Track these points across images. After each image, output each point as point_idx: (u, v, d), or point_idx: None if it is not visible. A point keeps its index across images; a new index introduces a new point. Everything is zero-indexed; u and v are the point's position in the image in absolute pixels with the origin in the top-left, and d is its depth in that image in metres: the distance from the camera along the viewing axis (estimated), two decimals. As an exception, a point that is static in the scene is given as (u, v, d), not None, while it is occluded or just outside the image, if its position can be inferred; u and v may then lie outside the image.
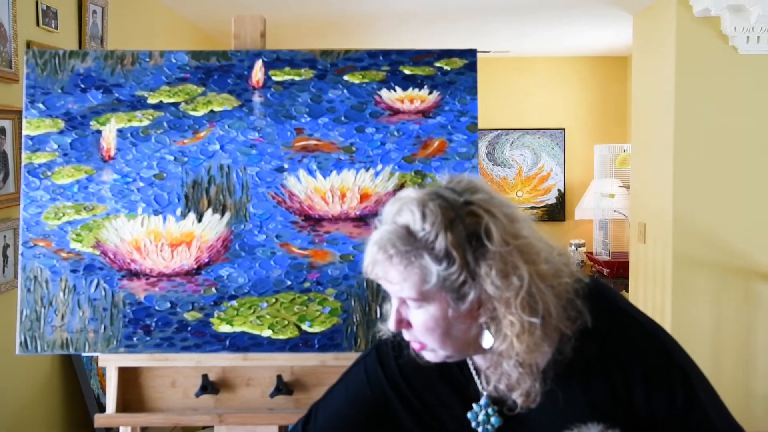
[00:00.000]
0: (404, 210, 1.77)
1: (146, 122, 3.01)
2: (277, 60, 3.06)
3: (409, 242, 1.74)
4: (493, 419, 1.92)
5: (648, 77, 6.60)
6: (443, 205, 1.76)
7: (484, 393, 1.94)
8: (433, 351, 1.85)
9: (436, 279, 1.72)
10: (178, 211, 2.98)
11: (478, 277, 1.73)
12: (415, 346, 1.87)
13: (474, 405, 1.95)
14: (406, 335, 1.87)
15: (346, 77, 3.05)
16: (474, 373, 1.98)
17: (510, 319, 1.73)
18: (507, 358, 1.78)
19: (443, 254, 1.72)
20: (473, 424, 1.94)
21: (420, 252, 1.73)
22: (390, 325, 1.86)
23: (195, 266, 2.97)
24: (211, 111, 3.02)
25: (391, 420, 2.05)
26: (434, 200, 1.77)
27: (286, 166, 2.99)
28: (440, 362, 1.91)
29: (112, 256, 2.96)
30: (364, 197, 2.97)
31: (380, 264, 1.77)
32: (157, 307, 2.95)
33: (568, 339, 1.81)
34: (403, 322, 1.83)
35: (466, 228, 1.74)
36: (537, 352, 1.77)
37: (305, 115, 3.01)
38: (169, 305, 2.95)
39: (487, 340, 1.79)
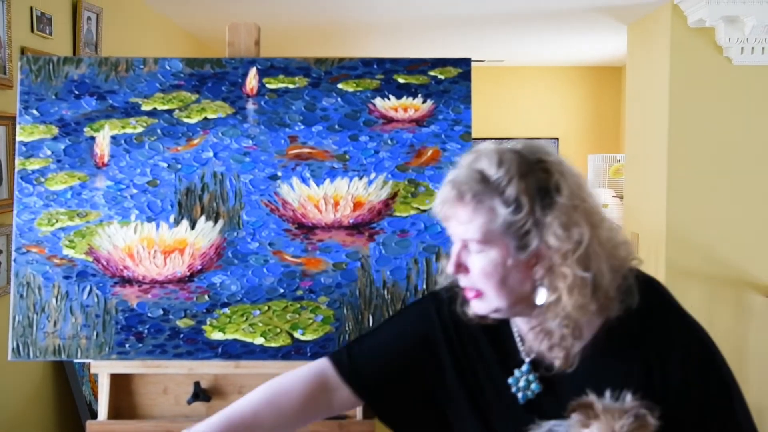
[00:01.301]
0: (482, 157, 1.88)
1: (140, 129, 3.01)
2: (271, 68, 3.06)
3: (482, 185, 1.83)
4: (533, 385, 1.96)
5: (642, 88, 6.62)
6: (518, 159, 1.85)
7: (527, 359, 1.99)
8: (485, 300, 1.90)
9: (501, 222, 1.81)
10: (172, 218, 2.98)
11: (543, 227, 1.81)
12: (469, 294, 1.93)
13: (515, 371, 1.99)
14: (463, 281, 1.93)
15: (340, 85, 3.05)
16: (518, 338, 2.02)
17: (564, 271, 1.81)
18: (554, 315, 1.84)
19: (513, 200, 1.81)
20: (513, 389, 1.98)
21: (491, 194, 1.82)
22: (448, 268, 1.92)
23: (188, 273, 2.97)
24: (205, 118, 3.02)
25: (434, 365, 2.09)
26: (511, 153, 1.87)
27: (279, 173, 2.99)
28: (486, 323, 1.99)
29: (104, 263, 2.96)
30: (357, 205, 2.97)
31: (451, 203, 1.87)
32: (149, 314, 2.95)
33: (616, 311, 1.87)
34: (462, 267, 1.90)
35: (537, 181, 1.83)
36: (583, 312, 1.83)
37: (299, 123, 3.02)
38: (161, 312, 2.95)
39: (541, 296, 1.86)
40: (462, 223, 1.86)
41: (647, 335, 1.89)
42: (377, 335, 2.21)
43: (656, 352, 1.88)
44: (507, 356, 2.02)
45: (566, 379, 1.91)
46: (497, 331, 2.04)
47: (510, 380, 1.98)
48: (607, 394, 1.79)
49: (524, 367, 1.98)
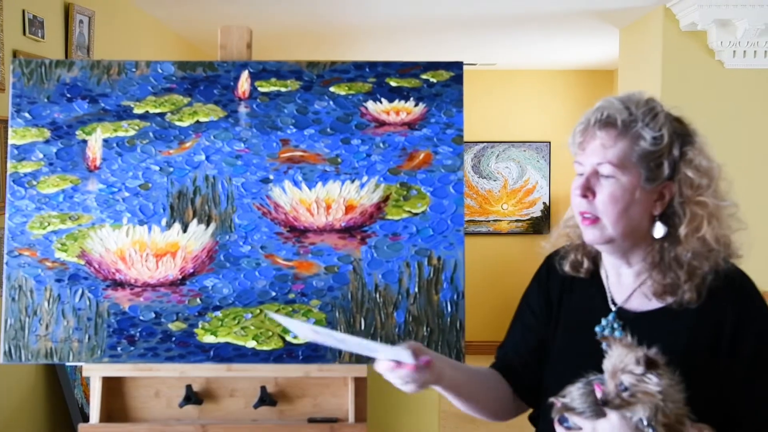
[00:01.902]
0: (631, 95, 2.09)
1: (132, 132, 3.02)
2: (263, 71, 3.07)
3: (630, 114, 2.02)
4: (617, 333, 2.09)
5: (634, 91, 6.62)
6: (660, 104, 2.10)
7: (614, 308, 2.13)
8: (601, 228, 2.03)
9: (641, 151, 1.99)
10: (164, 222, 2.98)
11: (681, 161, 2.04)
12: (586, 222, 2.05)
13: (602, 319, 2.13)
14: (585, 206, 2.04)
15: (332, 89, 3.05)
16: (607, 289, 2.17)
17: (703, 200, 2.02)
18: (686, 249, 2.01)
19: (657, 130, 2.01)
20: (598, 336, 2.10)
21: (638, 123, 2.01)
22: (575, 191, 2.05)
23: (180, 277, 2.97)
24: (197, 121, 3.02)
25: (551, 316, 2.27)
26: (654, 100, 2.11)
27: (271, 177, 2.99)
28: (579, 276, 2.21)
29: (96, 266, 2.96)
30: (349, 209, 2.98)
31: (595, 127, 2.04)
32: (141, 317, 2.95)
33: (715, 269, 2.02)
34: (589, 190, 2.03)
35: (674, 127, 2.07)
36: (718, 242, 2.03)
37: (291, 127, 3.02)
38: (153, 315, 2.95)
39: (658, 230, 2.04)
40: (604, 147, 2.01)
41: (731, 305, 2.01)
42: (513, 331, 2.38)
43: (734, 322, 1.99)
44: (594, 307, 2.17)
45: (649, 330, 2.02)
46: (589, 284, 2.21)
47: (597, 328, 2.13)
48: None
49: (610, 316, 2.12)
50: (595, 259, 2.21)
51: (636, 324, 2.07)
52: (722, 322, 1.99)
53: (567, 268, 2.23)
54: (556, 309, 2.26)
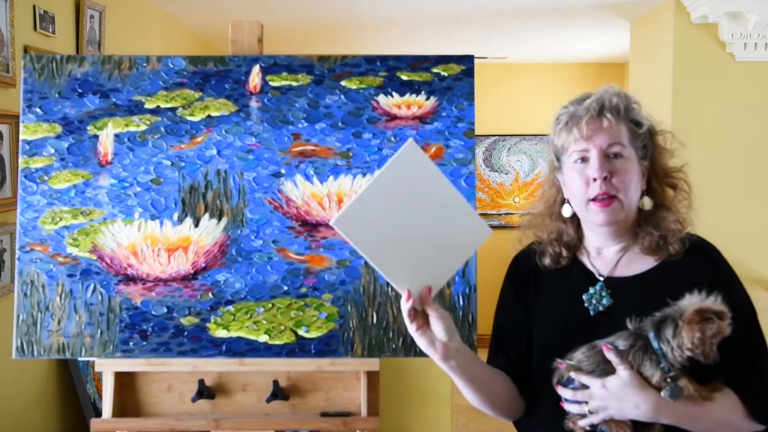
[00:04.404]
0: (613, 87, 2.38)
1: (143, 127, 3.01)
2: (274, 65, 3.06)
3: (626, 101, 2.33)
4: (605, 300, 2.30)
5: (645, 84, 6.60)
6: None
7: (601, 278, 2.33)
8: (618, 206, 2.25)
9: (636, 132, 2.30)
10: (175, 216, 2.98)
11: (654, 145, 2.34)
12: (602, 204, 2.25)
13: (590, 288, 2.33)
14: (605, 186, 2.23)
15: (343, 83, 3.05)
16: (590, 264, 2.38)
17: (680, 175, 2.36)
18: (672, 212, 2.32)
19: (644, 118, 2.33)
20: (586, 303, 2.31)
21: (631, 112, 2.32)
22: (595, 173, 2.24)
23: (192, 271, 2.97)
24: (209, 116, 3.02)
25: (528, 304, 2.45)
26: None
27: (283, 171, 2.99)
28: (557, 267, 2.40)
29: (108, 261, 2.96)
30: (361, 203, 2.97)
31: (602, 114, 2.27)
32: (153, 312, 2.95)
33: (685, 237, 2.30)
34: (606, 171, 2.23)
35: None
36: (685, 215, 2.33)
37: (302, 121, 3.02)
38: (165, 310, 2.95)
39: (647, 203, 2.31)
40: (611, 129, 2.25)
41: (704, 265, 2.27)
42: (495, 327, 2.54)
43: (710, 281, 2.18)
44: (580, 282, 2.36)
45: (631, 290, 2.28)
46: (571, 268, 2.40)
47: (584, 296, 2.32)
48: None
49: (598, 285, 2.32)
50: (573, 246, 2.42)
51: (623, 288, 2.30)
52: (699, 282, 2.15)
53: (548, 262, 2.42)
54: (534, 295, 2.44)
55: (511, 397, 2.38)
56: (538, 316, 2.41)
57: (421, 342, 2.11)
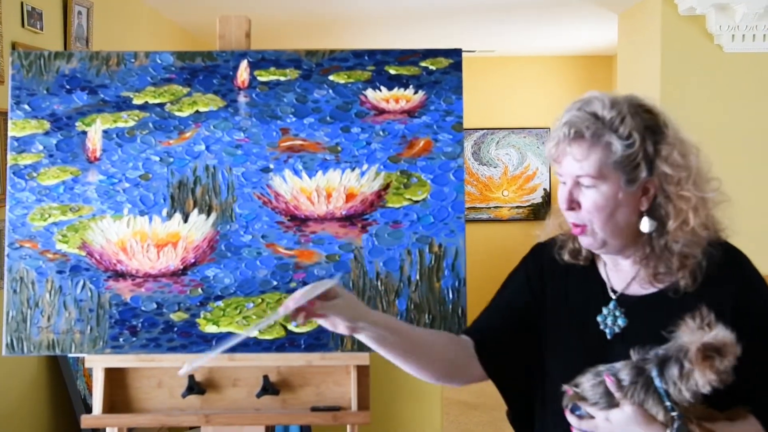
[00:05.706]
0: (593, 101, 2.08)
1: (132, 123, 3.01)
2: (262, 60, 3.06)
3: (597, 124, 2.03)
4: (620, 320, 2.16)
5: (633, 76, 6.61)
6: (626, 101, 2.08)
7: (614, 296, 2.19)
8: (592, 235, 2.09)
9: (616, 157, 2.01)
10: (164, 212, 2.98)
11: (656, 159, 2.05)
12: (576, 230, 2.12)
13: (603, 308, 2.19)
14: (572, 217, 2.11)
15: (331, 77, 3.05)
16: (605, 278, 2.23)
17: (684, 194, 2.05)
18: (679, 236, 2.06)
19: (626, 136, 2.02)
20: (601, 326, 2.18)
21: (606, 131, 2.02)
22: (561, 204, 2.12)
23: (181, 267, 2.97)
24: (197, 111, 3.02)
25: (537, 306, 2.32)
26: (620, 96, 2.10)
27: (271, 166, 2.99)
28: (577, 264, 2.26)
29: (98, 257, 2.96)
30: (349, 197, 2.98)
31: (567, 142, 2.06)
32: (143, 308, 2.95)
33: (708, 251, 2.09)
34: (574, 202, 2.09)
35: (644, 121, 2.06)
36: (700, 236, 2.08)
37: (291, 116, 3.02)
38: (155, 306, 2.95)
39: (645, 225, 2.08)
40: (578, 160, 2.05)
41: (729, 283, 2.08)
42: (494, 302, 2.42)
43: (733, 303, 2.04)
44: (593, 296, 2.22)
45: (646, 310, 2.12)
46: (588, 275, 2.26)
47: (599, 318, 2.19)
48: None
49: (611, 304, 2.18)
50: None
51: (637, 308, 2.14)
52: (722, 303, 2.01)
53: (566, 256, 2.27)
54: (540, 294, 2.32)
55: (446, 359, 2.31)
56: (555, 323, 2.28)
57: (326, 326, 2.13)
